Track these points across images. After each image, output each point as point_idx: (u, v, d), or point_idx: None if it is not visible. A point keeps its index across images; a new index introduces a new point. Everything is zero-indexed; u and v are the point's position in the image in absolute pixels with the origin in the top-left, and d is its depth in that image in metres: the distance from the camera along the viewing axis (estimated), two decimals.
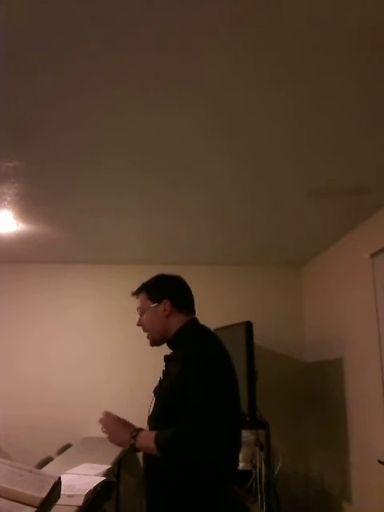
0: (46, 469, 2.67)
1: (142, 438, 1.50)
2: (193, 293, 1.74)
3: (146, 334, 1.71)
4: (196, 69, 1.57)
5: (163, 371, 1.66)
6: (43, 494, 1.41)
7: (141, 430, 1.54)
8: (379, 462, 2.67)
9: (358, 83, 1.64)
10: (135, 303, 1.75)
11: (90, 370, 4.15)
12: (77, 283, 4.29)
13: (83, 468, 2.61)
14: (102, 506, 3.15)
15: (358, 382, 3.16)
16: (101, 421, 1.61)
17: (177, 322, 1.68)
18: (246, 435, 3.62)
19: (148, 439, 1.47)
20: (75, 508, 1.92)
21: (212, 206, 2.88)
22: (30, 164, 2.29)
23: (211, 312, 4.21)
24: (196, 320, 1.72)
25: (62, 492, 1.57)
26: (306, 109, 1.81)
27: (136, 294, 1.79)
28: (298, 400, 4.11)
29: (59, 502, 1.56)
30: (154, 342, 1.73)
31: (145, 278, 1.77)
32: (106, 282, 4.32)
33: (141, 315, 1.76)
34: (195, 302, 1.74)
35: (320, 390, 3.88)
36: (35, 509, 1.37)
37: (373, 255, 2.84)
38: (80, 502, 1.97)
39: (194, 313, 1.75)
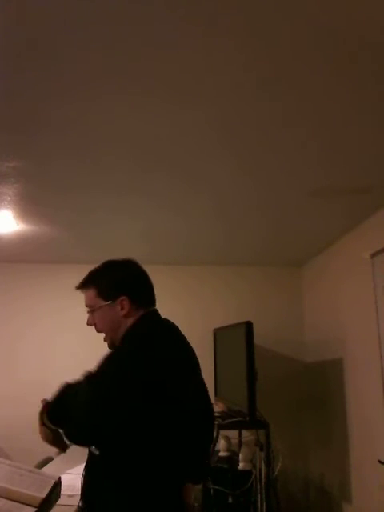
0: (46, 469, 2.67)
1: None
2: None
3: None
4: (196, 72, 1.57)
5: None
6: (43, 494, 1.42)
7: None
8: (379, 462, 2.66)
9: (357, 83, 1.64)
10: None
11: None
12: (77, 283, 4.28)
13: (83, 468, 2.61)
14: None
15: (357, 382, 3.16)
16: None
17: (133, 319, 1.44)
18: (246, 435, 3.63)
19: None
20: (75, 508, 1.92)
21: (212, 205, 2.88)
22: (30, 164, 2.29)
23: (211, 312, 4.26)
24: (150, 314, 1.45)
25: (62, 492, 1.57)
26: (305, 109, 1.80)
27: (81, 287, 1.49)
28: (298, 400, 4.11)
29: (59, 502, 1.56)
30: (114, 345, 1.48)
31: None
32: None
33: (91, 313, 1.48)
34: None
35: (320, 389, 3.88)
36: (35, 509, 1.37)
37: (373, 255, 2.84)
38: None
39: (153, 304, 1.48)
